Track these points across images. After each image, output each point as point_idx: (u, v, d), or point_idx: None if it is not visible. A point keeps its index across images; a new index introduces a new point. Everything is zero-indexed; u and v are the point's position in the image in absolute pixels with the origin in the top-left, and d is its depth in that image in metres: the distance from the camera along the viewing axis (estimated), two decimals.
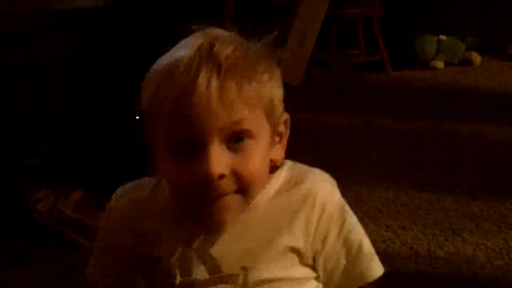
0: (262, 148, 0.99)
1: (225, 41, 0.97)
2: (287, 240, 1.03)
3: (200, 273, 1.01)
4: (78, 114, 2.91)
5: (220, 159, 0.93)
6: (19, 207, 2.49)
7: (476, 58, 4.90)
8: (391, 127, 3.67)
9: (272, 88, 1.00)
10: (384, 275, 2.21)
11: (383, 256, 2.30)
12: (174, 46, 1.00)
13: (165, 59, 0.98)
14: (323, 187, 1.09)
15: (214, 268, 1.01)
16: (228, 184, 0.95)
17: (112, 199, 1.11)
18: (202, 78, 0.91)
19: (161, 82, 0.94)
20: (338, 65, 4.84)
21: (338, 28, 4.72)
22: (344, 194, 2.94)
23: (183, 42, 0.99)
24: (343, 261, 1.09)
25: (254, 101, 0.95)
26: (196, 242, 1.02)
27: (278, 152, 1.07)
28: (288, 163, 1.11)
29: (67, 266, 2.41)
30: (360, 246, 1.11)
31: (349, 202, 2.81)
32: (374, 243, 2.40)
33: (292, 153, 3.41)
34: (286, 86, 3.61)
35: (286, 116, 1.07)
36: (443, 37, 4.90)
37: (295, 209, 1.05)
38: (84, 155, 2.71)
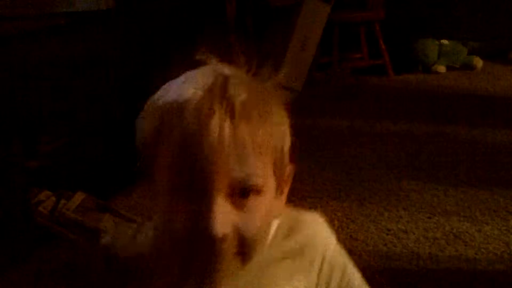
0: (267, 205, 0.90)
1: (238, 82, 0.87)
2: None
3: None
4: (80, 116, 2.91)
5: (225, 218, 0.84)
6: (20, 208, 2.49)
7: (478, 62, 4.90)
8: (393, 131, 3.67)
9: (283, 136, 0.92)
10: (385, 278, 2.21)
11: (385, 260, 2.32)
12: (173, 71, 0.92)
13: (172, 94, 0.87)
14: (320, 233, 1.04)
15: None
16: (229, 247, 0.86)
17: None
18: (215, 122, 0.82)
19: (167, 120, 0.85)
20: (340, 69, 4.84)
21: (340, 32, 4.72)
22: (345, 197, 2.96)
23: (190, 77, 0.90)
24: None
25: (267, 150, 0.87)
26: None
27: (279, 204, 0.97)
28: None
29: (67, 267, 2.41)
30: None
31: (350, 206, 2.83)
32: (375, 246, 2.43)
33: (293, 157, 3.39)
34: (288, 90, 3.60)
35: (291, 167, 0.98)
36: (445, 41, 4.90)
37: (293, 258, 0.99)
38: (86, 157, 2.71)
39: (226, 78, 0.87)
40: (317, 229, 1.04)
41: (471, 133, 3.53)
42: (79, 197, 2.54)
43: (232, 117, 0.83)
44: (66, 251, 2.49)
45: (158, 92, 0.90)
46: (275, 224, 0.99)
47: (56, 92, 3.09)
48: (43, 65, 2.94)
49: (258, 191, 0.87)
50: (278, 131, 0.90)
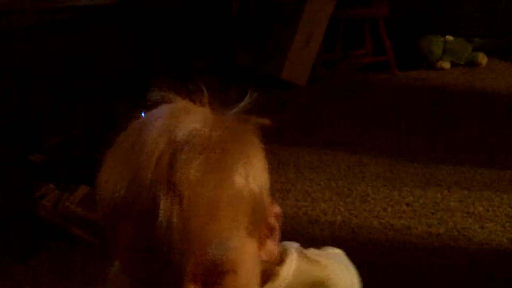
0: (247, 275, 0.80)
1: (191, 148, 0.76)
2: None
3: None
4: (83, 111, 2.92)
5: None
6: (24, 202, 2.50)
7: (483, 59, 4.89)
8: (397, 127, 3.66)
9: (257, 180, 0.80)
10: (388, 273, 2.22)
11: (388, 255, 2.32)
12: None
13: (127, 145, 0.79)
14: (339, 275, 0.96)
15: None
16: None
17: None
18: (162, 213, 0.73)
19: (121, 188, 0.76)
20: (343, 65, 4.83)
21: (345, 28, 4.72)
22: (349, 193, 2.96)
23: (146, 123, 0.80)
24: None
25: (235, 213, 0.77)
26: None
27: (270, 248, 0.87)
28: (294, 252, 0.93)
29: (71, 260, 2.42)
30: None
31: (353, 202, 2.83)
32: (378, 242, 2.43)
33: (297, 153, 3.42)
34: (292, 86, 3.63)
35: (277, 209, 0.88)
36: (449, 37, 4.89)
37: None
38: (90, 151, 2.71)
39: (177, 146, 0.76)
40: (337, 272, 0.95)
41: (474, 130, 3.53)
42: (82, 190, 2.54)
43: (181, 204, 0.73)
44: (71, 245, 2.50)
45: (116, 145, 0.81)
46: (291, 268, 0.91)
47: (59, 86, 3.10)
48: (46, 60, 2.94)
49: (232, 270, 0.78)
50: (249, 179, 0.79)
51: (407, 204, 2.71)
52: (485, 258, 2.28)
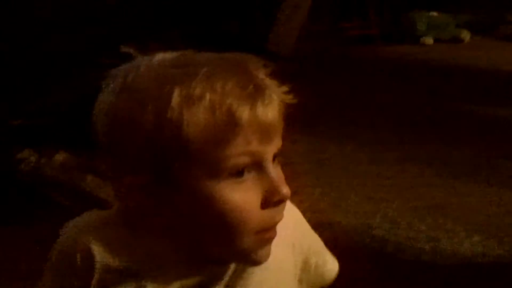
0: None
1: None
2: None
3: None
4: (65, 75, 2.90)
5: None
6: (3, 166, 2.49)
7: (466, 36, 4.89)
8: (379, 101, 3.67)
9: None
10: (364, 247, 2.23)
11: (366, 228, 2.34)
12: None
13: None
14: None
15: None
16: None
17: (67, 237, 0.90)
18: (259, 92, 0.81)
19: (207, 89, 0.80)
20: (329, 37, 4.82)
21: (332, 1, 4.70)
22: (329, 166, 2.96)
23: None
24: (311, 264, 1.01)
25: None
26: None
27: None
28: None
29: (49, 225, 2.40)
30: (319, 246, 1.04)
31: (333, 175, 2.83)
32: (355, 214, 2.45)
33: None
34: (277, 57, 3.58)
35: None
36: (434, 13, 4.89)
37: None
38: (70, 117, 2.70)
39: (245, 60, 0.86)
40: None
41: (456, 105, 3.54)
42: (60, 156, 2.53)
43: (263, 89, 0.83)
44: (48, 209, 2.49)
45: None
46: None
47: (40, 50, 3.07)
48: (30, 23, 2.91)
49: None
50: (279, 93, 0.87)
51: (387, 178, 2.72)
52: (461, 232, 2.30)
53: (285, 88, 0.86)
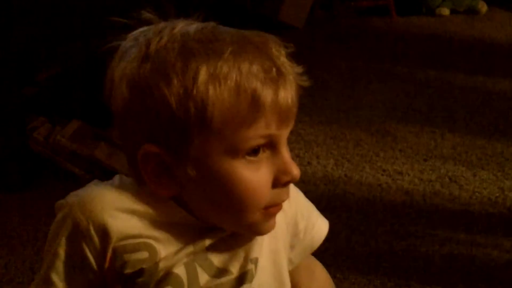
0: None
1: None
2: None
3: (206, 279, 0.90)
4: (78, 43, 2.88)
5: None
6: (15, 133, 2.48)
7: (483, 7, 4.83)
8: (393, 73, 3.64)
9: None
10: (378, 217, 2.22)
11: (378, 200, 2.33)
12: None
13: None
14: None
15: (220, 272, 0.91)
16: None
17: (78, 211, 0.88)
18: (281, 83, 0.84)
19: (229, 67, 0.81)
20: (342, 7, 4.78)
21: None
22: (342, 137, 2.95)
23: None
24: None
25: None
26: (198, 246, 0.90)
27: None
28: None
29: (61, 194, 2.41)
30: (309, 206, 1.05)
31: (346, 145, 2.82)
32: (370, 186, 2.44)
33: None
34: (289, 28, 3.59)
35: None
36: None
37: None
38: (83, 85, 2.69)
39: (267, 39, 0.87)
40: None
41: (471, 78, 3.51)
42: (74, 124, 2.52)
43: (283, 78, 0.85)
44: (61, 179, 2.49)
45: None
46: None
47: (55, 19, 3.05)
48: None
49: None
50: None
51: (400, 150, 2.70)
52: (476, 206, 2.29)
53: (300, 70, 0.88)
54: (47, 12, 2.93)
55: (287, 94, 0.84)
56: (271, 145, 0.86)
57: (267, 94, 0.82)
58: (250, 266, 0.92)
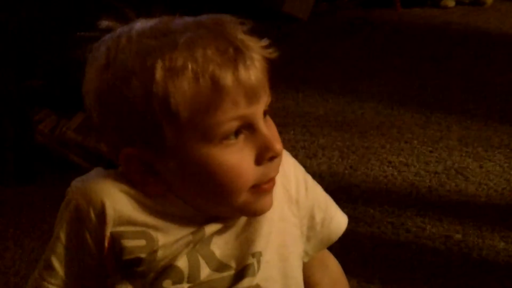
0: None
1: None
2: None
3: (207, 273, 0.91)
4: (84, 36, 2.87)
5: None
6: (21, 126, 2.48)
7: None
8: (398, 65, 3.63)
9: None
10: (384, 209, 2.22)
11: (384, 192, 2.32)
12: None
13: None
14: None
15: (221, 266, 0.92)
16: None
17: (80, 194, 0.91)
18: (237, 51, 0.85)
19: (187, 57, 0.82)
20: None
21: None
22: (347, 128, 2.95)
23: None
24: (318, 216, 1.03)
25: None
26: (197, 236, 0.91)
27: None
28: None
29: (67, 187, 2.41)
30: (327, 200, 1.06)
31: (352, 138, 2.82)
32: (375, 178, 2.43)
33: (297, 87, 3.40)
34: (293, 20, 3.57)
35: None
36: None
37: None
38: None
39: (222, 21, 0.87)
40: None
41: (477, 70, 3.50)
42: (79, 116, 2.52)
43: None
44: (67, 171, 2.49)
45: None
46: None
47: (62, 11, 3.05)
48: None
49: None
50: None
51: (406, 142, 2.69)
52: (483, 197, 2.28)
53: (264, 43, 0.88)
54: (55, 4, 2.93)
55: (249, 72, 0.84)
56: (248, 125, 0.86)
57: (226, 75, 0.82)
58: (251, 261, 0.92)
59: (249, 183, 0.87)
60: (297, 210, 0.99)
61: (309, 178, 1.03)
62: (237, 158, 0.85)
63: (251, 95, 0.85)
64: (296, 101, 3.15)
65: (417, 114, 2.94)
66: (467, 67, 3.54)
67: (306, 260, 1.02)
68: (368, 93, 3.22)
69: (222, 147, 0.85)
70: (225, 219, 0.92)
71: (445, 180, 2.39)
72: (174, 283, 0.88)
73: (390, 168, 2.49)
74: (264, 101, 0.88)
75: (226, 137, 0.85)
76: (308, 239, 1.02)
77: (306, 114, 2.99)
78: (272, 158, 0.88)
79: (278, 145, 0.87)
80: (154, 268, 0.89)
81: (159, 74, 0.82)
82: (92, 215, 0.88)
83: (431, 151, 2.61)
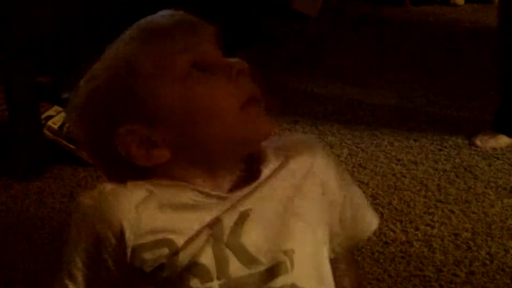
0: None
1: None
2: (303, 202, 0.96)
3: (236, 267, 0.89)
4: (93, 33, 2.88)
5: None
6: (30, 122, 2.49)
7: None
8: (407, 62, 3.62)
9: None
10: (392, 208, 2.21)
11: (393, 189, 2.32)
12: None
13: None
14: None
15: (252, 260, 0.89)
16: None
17: (94, 217, 0.89)
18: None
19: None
20: None
21: None
22: (356, 126, 2.94)
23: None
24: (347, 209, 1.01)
25: None
26: (224, 231, 0.90)
27: None
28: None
29: (75, 182, 2.42)
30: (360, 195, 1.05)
31: (361, 134, 2.82)
32: (384, 176, 2.43)
33: (305, 85, 3.39)
34: (303, 17, 3.57)
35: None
36: None
37: (296, 171, 0.97)
38: None
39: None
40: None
41: (486, 68, 3.48)
42: None
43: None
44: (76, 167, 2.50)
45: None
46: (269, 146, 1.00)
47: (71, 8, 3.06)
48: None
49: None
50: None
51: (415, 140, 2.69)
52: (491, 196, 2.27)
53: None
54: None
55: (164, 18, 0.96)
56: (206, 64, 0.92)
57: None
58: (283, 258, 0.90)
59: (232, 101, 0.90)
60: (323, 193, 0.98)
61: (343, 171, 1.03)
62: (209, 85, 0.91)
63: (192, 35, 0.93)
64: (305, 99, 3.14)
65: (425, 112, 2.94)
66: (477, 65, 3.53)
67: (332, 257, 1.00)
68: (377, 90, 3.22)
69: (193, 82, 0.90)
70: (235, 191, 0.93)
71: (454, 178, 2.39)
72: (202, 281, 0.87)
73: (399, 166, 2.49)
74: (208, 38, 0.94)
75: (193, 71, 0.91)
76: (336, 234, 1.00)
77: (315, 112, 2.99)
78: (238, 73, 0.92)
79: (237, 59, 0.94)
80: (178, 270, 0.87)
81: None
82: (112, 238, 0.88)
83: (440, 149, 2.60)
